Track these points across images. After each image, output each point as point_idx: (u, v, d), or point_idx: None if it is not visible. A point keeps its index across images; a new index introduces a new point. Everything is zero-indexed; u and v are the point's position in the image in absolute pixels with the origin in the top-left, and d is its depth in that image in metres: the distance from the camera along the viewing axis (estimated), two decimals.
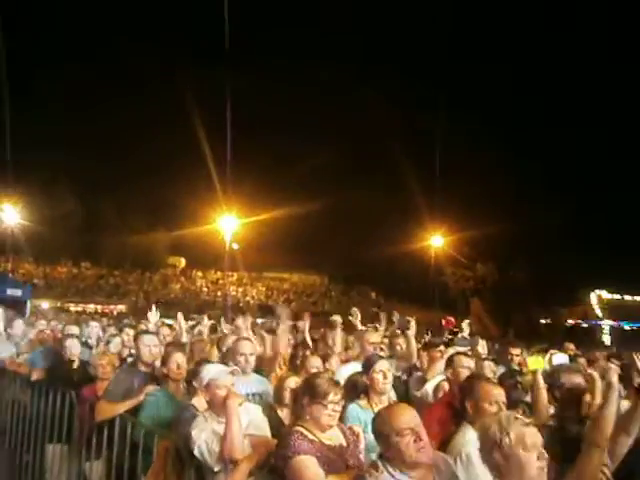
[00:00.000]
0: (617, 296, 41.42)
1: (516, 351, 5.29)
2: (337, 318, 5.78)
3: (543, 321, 34.75)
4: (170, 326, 6.78)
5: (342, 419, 3.36)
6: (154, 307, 6.18)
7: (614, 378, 2.90)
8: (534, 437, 2.35)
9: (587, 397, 3.32)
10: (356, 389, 3.86)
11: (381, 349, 4.96)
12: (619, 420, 2.89)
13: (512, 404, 3.72)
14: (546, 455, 2.36)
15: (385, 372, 3.83)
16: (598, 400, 2.99)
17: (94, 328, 7.07)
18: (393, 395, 4.18)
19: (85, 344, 5.99)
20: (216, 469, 2.94)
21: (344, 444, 2.97)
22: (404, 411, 2.60)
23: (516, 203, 30.26)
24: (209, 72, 28.38)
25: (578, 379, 3.88)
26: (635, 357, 3.59)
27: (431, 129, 29.57)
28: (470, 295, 30.58)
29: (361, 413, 3.66)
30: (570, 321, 38.26)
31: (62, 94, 34.06)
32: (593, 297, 40.53)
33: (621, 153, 36.13)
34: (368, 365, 3.90)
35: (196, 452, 2.96)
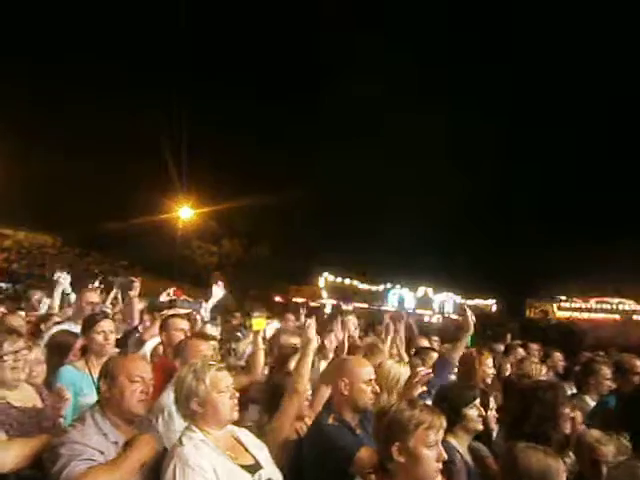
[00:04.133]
0: (339, 279, 47.20)
1: (236, 320, 5.55)
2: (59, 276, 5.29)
3: (278, 299, 37.50)
4: None
5: (53, 380, 3.22)
6: None
7: (310, 334, 3.20)
8: (226, 380, 2.48)
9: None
10: (60, 348, 3.53)
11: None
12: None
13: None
14: (237, 394, 2.51)
15: (107, 333, 3.64)
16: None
17: None
18: None
19: None
20: None
21: (39, 405, 2.80)
22: (140, 361, 2.63)
23: (263, 180, 31.75)
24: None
25: (293, 339, 4.27)
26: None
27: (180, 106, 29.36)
28: (213, 270, 31.17)
29: (76, 375, 3.43)
30: (300, 299, 42.24)
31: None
32: (321, 280, 45.38)
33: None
34: (88, 325, 3.67)
35: None
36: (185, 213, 31.14)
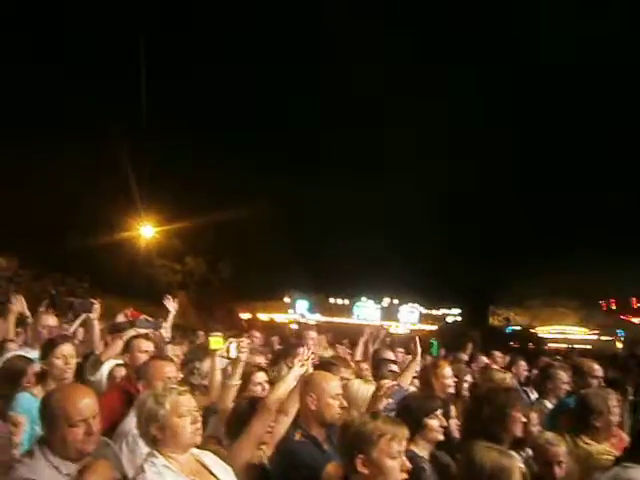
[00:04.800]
0: (305, 294, 47.52)
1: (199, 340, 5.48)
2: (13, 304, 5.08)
3: (245, 316, 37.21)
4: None
5: (6, 408, 3.13)
6: None
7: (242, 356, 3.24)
8: (188, 403, 2.44)
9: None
10: (11, 375, 3.42)
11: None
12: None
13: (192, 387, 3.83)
14: (199, 418, 2.48)
15: (67, 357, 3.57)
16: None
17: None
18: None
19: None
20: None
21: None
22: (82, 399, 2.41)
23: (227, 197, 31.51)
24: None
25: (258, 358, 4.27)
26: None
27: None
28: (177, 288, 30.67)
29: (33, 402, 3.27)
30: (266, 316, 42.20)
31: None
32: (287, 296, 45.60)
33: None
34: (47, 349, 3.60)
35: None
36: (147, 231, 30.63)
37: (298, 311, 46.99)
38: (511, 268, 37.84)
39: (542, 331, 38.83)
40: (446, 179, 36.75)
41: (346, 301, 50.92)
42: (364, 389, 3.46)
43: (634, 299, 42.62)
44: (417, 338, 4.43)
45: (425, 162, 35.36)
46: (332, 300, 50.69)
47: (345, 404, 3.02)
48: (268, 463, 2.91)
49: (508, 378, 4.36)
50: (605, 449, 3.17)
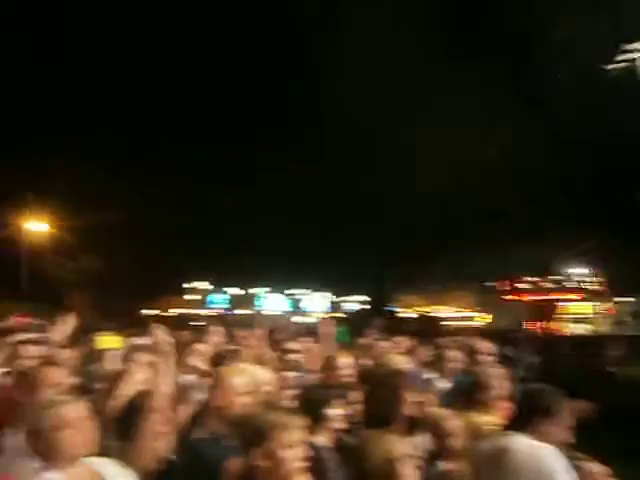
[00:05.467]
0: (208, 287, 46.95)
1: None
2: None
3: (148, 312, 35.88)
4: None
5: None
6: None
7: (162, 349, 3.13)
8: (75, 413, 2.33)
9: None
10: None
11: None
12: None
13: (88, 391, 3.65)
14: (91, 425, 2.37)
15: None
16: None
17: None
18: None
19: None
20: None
21: None
22: None
23: (122, 193, 30.20)
24: None
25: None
26: None
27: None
28: (73, 286, 28.94)
29: None
30: (174, 311, 41.09)
31: None
32: (189, 290, 44.77)
33: None
34: None
35: None
36: (37, 227, 28.49)
37: (210, 305, 46.23)
38: (409, 256, 39.52)
39: (442, 314, 41.08)
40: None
41: (253, 291, 50.76)
42: (264, 379, 3.46)
43: (524, 280, 46.18)
44: (325, 326, 4.45)
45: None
46: (237, 291, 50.31)
47: (250, 399, 3.00)
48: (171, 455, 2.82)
49: (403, 361, 4.53)
50: (491, 420, 3.41)
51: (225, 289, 50.00)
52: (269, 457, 2.26)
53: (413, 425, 3.23)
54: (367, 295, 48.18)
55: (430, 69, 29.90)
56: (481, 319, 42.24)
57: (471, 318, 42.83)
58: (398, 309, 44.45)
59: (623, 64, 12.75)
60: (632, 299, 39.66)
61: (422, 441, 3.18)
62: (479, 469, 2.92)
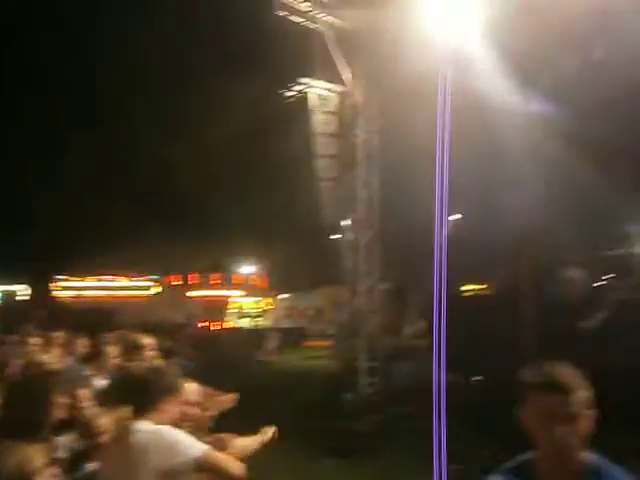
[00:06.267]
0: None
1: None
2: None
3: None
4: None
5: None
6: None
7: None
8: None
9: None
10: None
11: None
12: None
13: None
14: None
15: None
16: None
17: None
18: None
19: None
20: None
21: None
22: None
23: None
24: None
25: None
26: None
27: None
28: None
29: None
30: None
31: None
32: None
33: None
34: None
35: None
36: None
37: None
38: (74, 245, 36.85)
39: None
40: None
41: None
42: None
43: (193, 275, 47.80)
44: None
45: None
46: None
47: None
48: None
49: (53, 360, 4.25)
50: (125, 414, 3.41)
51: None
52: None
53: (60, 427, 3.08)
54: (26, 283, 42.73)
55: None
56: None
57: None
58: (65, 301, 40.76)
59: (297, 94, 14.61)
60: (287, 295, 45.33)
61: (67, 441, 3.06)
62: (117, 465, 2.88)
